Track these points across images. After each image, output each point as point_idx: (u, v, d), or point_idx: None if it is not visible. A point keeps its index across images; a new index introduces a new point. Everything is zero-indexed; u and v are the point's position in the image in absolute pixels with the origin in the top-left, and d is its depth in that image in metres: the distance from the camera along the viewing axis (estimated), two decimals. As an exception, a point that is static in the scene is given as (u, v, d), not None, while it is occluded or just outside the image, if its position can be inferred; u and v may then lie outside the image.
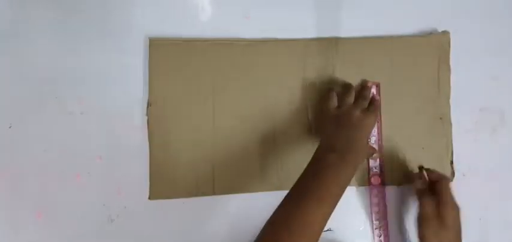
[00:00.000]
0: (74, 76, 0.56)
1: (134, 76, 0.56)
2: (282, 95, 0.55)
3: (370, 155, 0.54)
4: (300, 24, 0.57)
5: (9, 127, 0.56)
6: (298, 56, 0.56)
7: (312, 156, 0.48)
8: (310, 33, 0.57)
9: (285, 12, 0.57)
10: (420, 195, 0.51)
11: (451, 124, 0.56)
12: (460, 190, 0.56)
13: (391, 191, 0.57)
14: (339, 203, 0.53)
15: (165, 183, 0.55)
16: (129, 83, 0.56)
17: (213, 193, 0.55)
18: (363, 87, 0.55)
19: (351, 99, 0.52)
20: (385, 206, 0.56)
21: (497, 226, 0.57)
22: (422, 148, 0.56)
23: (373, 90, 0.56)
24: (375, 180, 0.56)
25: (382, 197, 0.56)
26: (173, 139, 0.55)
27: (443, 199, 0.49)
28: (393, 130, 0.56)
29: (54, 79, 0.56)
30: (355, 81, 0.56)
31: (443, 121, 0.56)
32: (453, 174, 0.56)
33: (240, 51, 0.55)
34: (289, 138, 0.55)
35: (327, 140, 0.49)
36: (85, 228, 0.55)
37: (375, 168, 0.56)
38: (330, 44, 0.56)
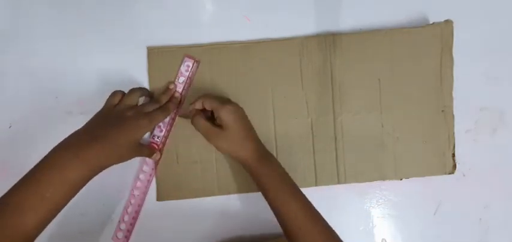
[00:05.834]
0: (74, 76, 0.56)
1: (134, 76, 0.56)
2: (280, 95, 0.55)
3: (144, 155, 0.52)
4: (299, 21, 0.56)
5: (9, 127, 0.56)
6: (295, 54, 0.55)
7: None
8: (308, 30, 0.56)
9: (283, 10, 0.57)
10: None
11: (453, 116, 0.56)
12: (460, 190, 0.57)
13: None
14: (339, 204, 0.54)
15: (171, 185, 0.55)
16: (129, 83, 0.55)
17: (219, 193, 0.56)
18: (167, 89, 0.54)
19: (131, 100, 0.50)
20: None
21: (497, 226, 0.57)
22: (424, 141, 0.55)
23: (179, 89, 0.54)
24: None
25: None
26: (176, 143, 0.55)
27: (213, 107, 0.48)
28: (394, 125, 0.56)
29: (54, 79, 0.56)
30: (354, 77, 0.55)
31: (445, 113, 0.56)
32: (454, 166, 0.55)
33: (235, 53, 0.55)
34: (289, 138, 0.55)
35: (69, 137, 0.45)
36: (85, 228, 0.55)
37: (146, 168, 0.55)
38: (326, 41, 0.55)
